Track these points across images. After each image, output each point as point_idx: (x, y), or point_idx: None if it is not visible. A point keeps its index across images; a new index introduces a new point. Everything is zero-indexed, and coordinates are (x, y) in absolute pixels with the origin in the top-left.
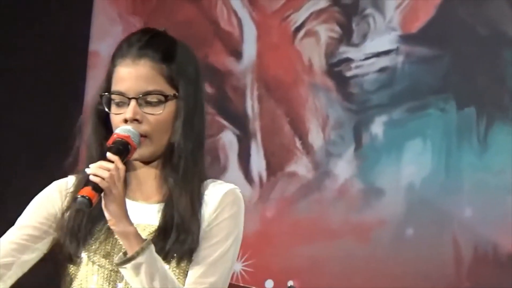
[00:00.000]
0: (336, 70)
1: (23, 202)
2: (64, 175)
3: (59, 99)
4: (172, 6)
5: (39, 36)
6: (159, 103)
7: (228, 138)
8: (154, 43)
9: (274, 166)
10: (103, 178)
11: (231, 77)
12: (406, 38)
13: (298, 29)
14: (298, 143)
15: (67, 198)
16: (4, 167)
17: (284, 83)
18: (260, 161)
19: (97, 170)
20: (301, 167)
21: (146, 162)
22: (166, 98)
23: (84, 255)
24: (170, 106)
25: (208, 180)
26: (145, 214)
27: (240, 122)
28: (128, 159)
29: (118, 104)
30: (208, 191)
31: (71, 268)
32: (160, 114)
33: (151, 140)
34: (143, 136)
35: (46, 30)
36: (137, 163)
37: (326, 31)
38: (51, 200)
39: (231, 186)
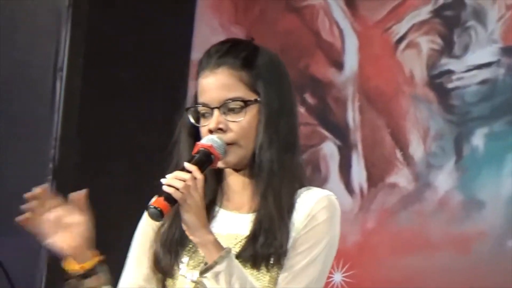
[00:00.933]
0: (437, 82)
1: (124, 209)
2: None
3: (160, 108)
4: (274, 16)
5: (141, 45)
6: (240, 109)
7: (329, 149)
8: (233, 51)
9: (375, 177)
10: (177, 189)
11: (333, 88)
12: (507, 50)
13: (399, 40)
14: (398, 155)
15: None
16: (104, 175)
17: (385, 94)
18: (361, 172)
19: (171, 180)
20: (401, 178)
21: (236, 170)
22: (246, 103)
23: (177, 268)
24: (252, 111)
25: (303, 188)
26: (237, 224)
27: (341, 133)
28: (213, 167)
29: (204, 116)
30: (301, 198)
31: (169, 282)
32: (243, 120)
33: (238, 146)
34: (230, 144)
35: (148, 39)
36: (229, 172)
37: (427, 43)
38: (152, 224)
39: (326, 192)
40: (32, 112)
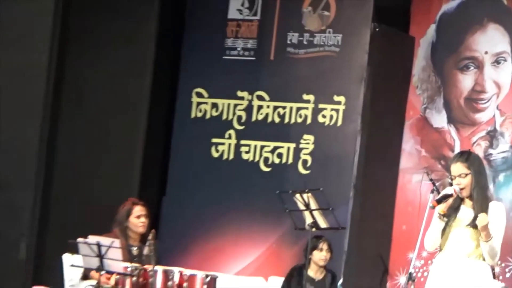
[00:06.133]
0: (487, 158)
1: None
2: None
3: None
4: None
5: None
6: (465, 176)
7: None
8: (461, 156)
9: None
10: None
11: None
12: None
13: (474, 142)
14: None
15: None
16: None
17: None
18: None
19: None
20: None
21: (466, 197)
22: (466, 175)
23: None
24: (469, 177)
25: (491, 202)
26: (467, 212)
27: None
28: (452, 197)
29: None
30: (491, 205)
31: None
32: (466, 181)
33: (465, 190)
34: (462, 189)
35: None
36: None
37: (484, 143)
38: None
39: (499, 202)
40: None
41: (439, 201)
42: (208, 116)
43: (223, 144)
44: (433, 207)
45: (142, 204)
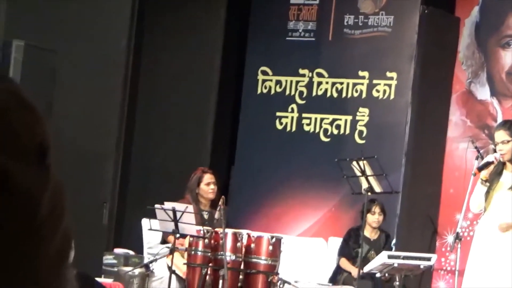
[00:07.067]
0: None
1: None
2: None
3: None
4: None
5: None
6: (507, 143)
7: None
8: (504, 124)
9: None
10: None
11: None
12: None
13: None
14: None
15: None
16: None
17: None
18: None
19: (485, 163)
20: None
21: (508, 161)
22: (508, 141)
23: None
24: (510, 144)
25: None
26: (509, 176)
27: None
28: (493, 163)
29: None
30: None
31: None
32: (508, 146)
33: (507, 155)
34: (502, 154)
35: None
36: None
37: None
38: None
39: None
40: None
41: (480, 169)
42: (272, 92)
43: (286, 117)
44: (475, 175)
45: (211, 172)
